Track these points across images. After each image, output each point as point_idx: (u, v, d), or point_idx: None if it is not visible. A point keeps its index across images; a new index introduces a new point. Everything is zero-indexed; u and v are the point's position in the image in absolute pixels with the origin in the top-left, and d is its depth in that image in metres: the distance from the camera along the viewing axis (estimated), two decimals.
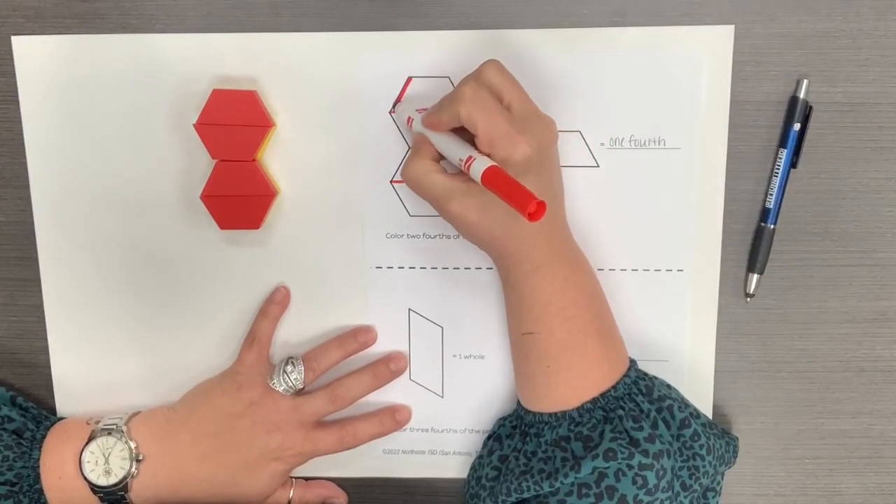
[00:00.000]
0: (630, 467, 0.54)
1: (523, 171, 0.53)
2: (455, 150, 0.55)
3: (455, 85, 0.60)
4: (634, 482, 0.54)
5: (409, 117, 0.60)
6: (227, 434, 0.61)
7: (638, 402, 0.57)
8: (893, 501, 0.67)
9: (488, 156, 0.53)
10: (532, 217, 0.48)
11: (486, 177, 0.51)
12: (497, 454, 0.62)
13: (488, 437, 0.64)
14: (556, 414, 0.57)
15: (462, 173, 0.55)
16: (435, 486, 0.67)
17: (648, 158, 0.62)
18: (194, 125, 0.60)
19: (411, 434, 0.66)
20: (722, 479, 0.61)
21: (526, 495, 0.57)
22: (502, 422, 0.64)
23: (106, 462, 0.60)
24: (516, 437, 0.61)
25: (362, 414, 0.65)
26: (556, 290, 0.56)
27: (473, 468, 0.65)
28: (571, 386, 0.57)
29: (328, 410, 0.63)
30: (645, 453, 0.55)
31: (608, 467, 0.54)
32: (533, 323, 0.57)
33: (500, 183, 0.50)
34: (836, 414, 0.66)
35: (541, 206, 0.48)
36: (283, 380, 0.62)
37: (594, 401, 0.57)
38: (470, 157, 0.53)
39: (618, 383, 0.57)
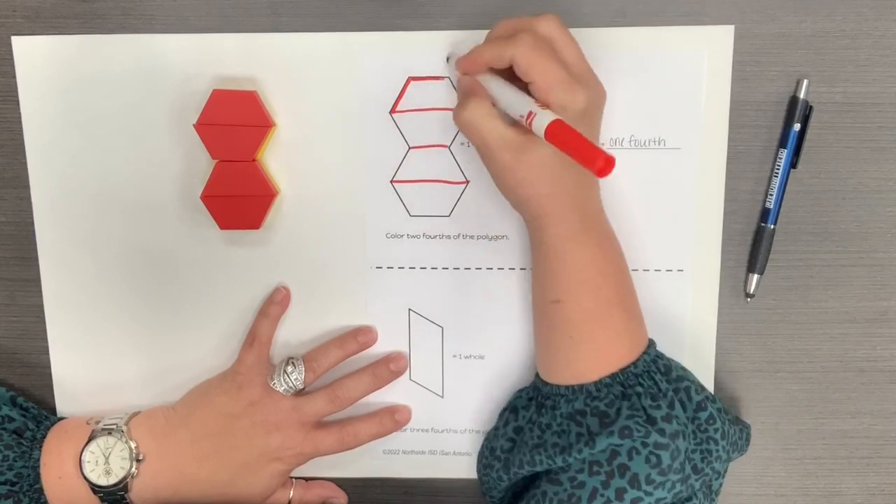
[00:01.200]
0: (645, 445, 0.54)
1: (578, 121, 0.52)
2: (515, 102, 0.53)
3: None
4: (648, 461, 0.54)
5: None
6: (226, 434, 0.61)
7: (656, 380, 0.56)
8: (893, 501, 0.67)
9: (545, 105, 0.52)
10: (601, 172, 0.47)
11: (551, 131, 0.49)
12: (512, 425, 0.61)
13: (504, 409, 0.64)
14: (573, 387, 0.56)
15: (517, 124, 0.54)
16: (435, 486, 0.67)
17: (648, 158, 0.62)
18: (194, 125, 0.60)
19: (411, 434, 0.66)
20: (727, 465, 0.60)
21: (538, 468, 0.56)
22: (519, 393, 0.63)
23: (106, 462, 0.60)
24: (532, 408, 0.60)
25: (362, 414, 0.65)
26: (588, 259, 0.56)
27: (488, 438, 0.64)
28: (592, 358, 0.56)
29: (328, 411, 0.63)
30: (661, 432, 0.54)
31: (622, 445, 0.54)
32: (561, 290, 0.56)
33: (567, 137, 0.49)
34: (836, 414, 0.66)
35: (609, 161, 0.47)
36: (284, 380, 0.62)
37: (613, 376, 0.56)
38: (531, 113, 0.51)
39: (637, 360, 0.56)
